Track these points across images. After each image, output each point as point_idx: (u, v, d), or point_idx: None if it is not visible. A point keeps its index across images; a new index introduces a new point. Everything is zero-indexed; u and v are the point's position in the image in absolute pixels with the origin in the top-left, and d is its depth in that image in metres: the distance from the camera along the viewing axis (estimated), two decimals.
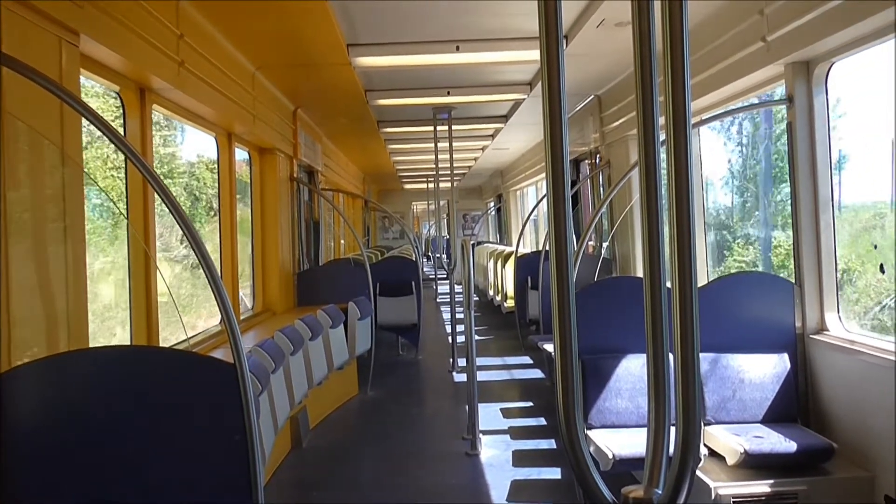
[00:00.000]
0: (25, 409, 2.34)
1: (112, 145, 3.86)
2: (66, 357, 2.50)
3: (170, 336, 4.40)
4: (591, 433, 3.88)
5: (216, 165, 5.84)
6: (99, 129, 2.44)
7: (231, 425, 2.38)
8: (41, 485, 2.32)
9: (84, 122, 2.86)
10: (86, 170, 3.16)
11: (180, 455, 2.42)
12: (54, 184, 2.73)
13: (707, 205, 6.47)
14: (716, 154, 7.17)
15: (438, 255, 18.96)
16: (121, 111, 3.98)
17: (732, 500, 3.36)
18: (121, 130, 3.88)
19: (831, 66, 3.93)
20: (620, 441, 3.70)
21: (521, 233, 10.97)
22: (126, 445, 2.37)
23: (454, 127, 8.71)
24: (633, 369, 4.05)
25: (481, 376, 6.36)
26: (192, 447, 2.43)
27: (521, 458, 5.05)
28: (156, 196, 4.04)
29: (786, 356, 4.00)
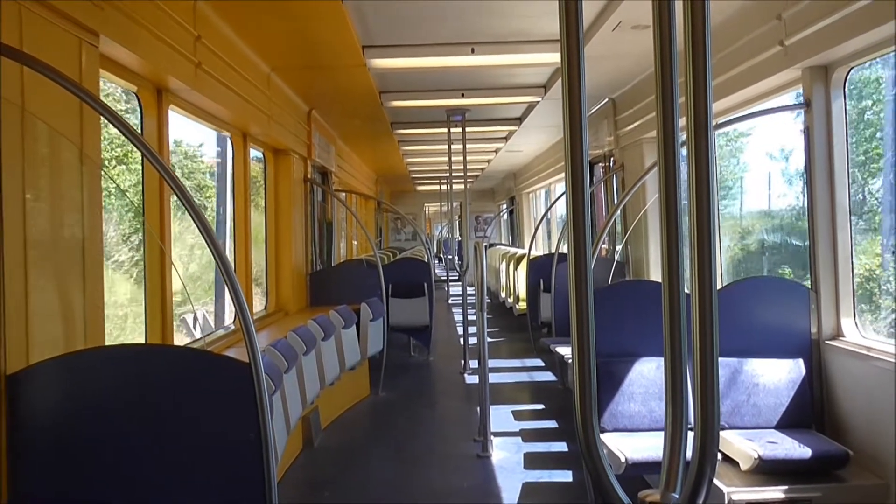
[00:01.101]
0: (42, 406, 2.36)
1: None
2: (83, 355, 2.52)
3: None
4: (604, 437, 3.86)
5: (196, 151, 5.73)
6: (117, 129, 2.46)
7: (245, 424, 2.39)
8: (57, 481, 2.35)
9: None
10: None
11: (194, 453, 2.43)
12: (73, 182, 2.75)
13: (771, 204, 5.89)
14: (790, 141, 6.19)
15: (450, 257, 18.98)
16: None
17: None
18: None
19: (850, 70, 3.90)
20: (633, 445, 3.69)
21: (534, 235, 10.95)
22: (140, 443, 2.39)
23: (468, 129, 8.71)
24: (646, 373, 4.03)
25: (493, 378, 6.35)
26: (206, 445, 2.44)
27: (532, 461, 5.04)
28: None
29: (801, 362, 3.96)
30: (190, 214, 2.45)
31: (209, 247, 2.44)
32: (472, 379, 7.71)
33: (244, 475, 2.42)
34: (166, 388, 2.45)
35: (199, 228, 2.45)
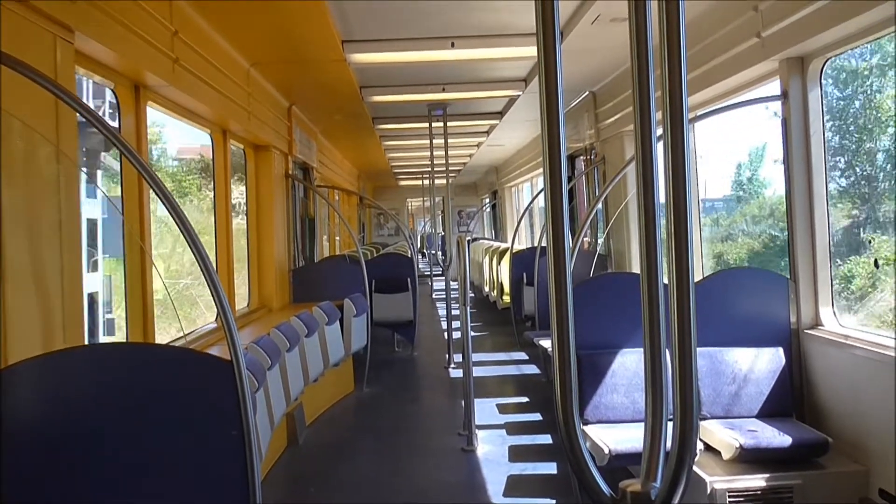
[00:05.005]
0: (22, 407, 2.33)
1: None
2: (63, 354, 2.49)
3: None
4: (588, 428, 3.89)
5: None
6: (94, 125, 2.43)
7: (228, 422, 2.38)
8: (38, 483, 2.32)
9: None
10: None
11: (177, 451, 2.42)
12: (50, 180, 2.72)
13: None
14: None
15: (434, 252, 18.96)
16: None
17: (728, 494, 3.37)
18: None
19: (826, 61, 3.94)
20: (616, 436, 3.71)
21: (517, 229, 10.96)
22: (123, 442, 2.37)
23: (449, 123, 8.71)
24: (628, 365, 4.06)
25: (477, 372, 6.36)
26: (189, 444, 2.42)
27: (517, 454, 5.06)
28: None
29: (780, 351, 4.01)
30: (169, 211, 2.43)
31: (189, 244, 2.42)
32: (457, 373, 7.72)
33: (227, 473, 2.41)
34: (148, 386, 2.44)
35: (178, 226, 2.43)
